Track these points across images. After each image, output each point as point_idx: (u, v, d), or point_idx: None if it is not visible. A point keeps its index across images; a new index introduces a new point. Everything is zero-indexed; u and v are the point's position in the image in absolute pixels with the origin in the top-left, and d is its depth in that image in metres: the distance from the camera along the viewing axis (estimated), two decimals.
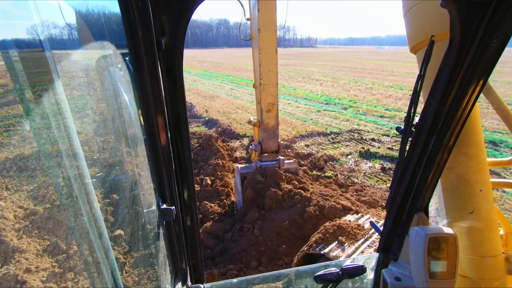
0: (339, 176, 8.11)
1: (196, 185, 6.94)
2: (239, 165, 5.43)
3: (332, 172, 8.37)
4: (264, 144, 4.87)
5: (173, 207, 1.18)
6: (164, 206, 1.17)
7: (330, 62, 46.82)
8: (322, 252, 3.79)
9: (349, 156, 9.71)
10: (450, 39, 1.06)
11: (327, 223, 4.30)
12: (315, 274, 1.44)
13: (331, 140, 11.17)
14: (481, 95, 1.32)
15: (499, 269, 1.46)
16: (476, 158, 1.42)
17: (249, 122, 5.48)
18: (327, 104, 16.87)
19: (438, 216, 1.62)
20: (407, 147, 1.37)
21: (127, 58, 0.94)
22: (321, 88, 21.52)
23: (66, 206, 0.89)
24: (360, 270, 1.42)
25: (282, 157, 5.17)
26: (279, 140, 5.08)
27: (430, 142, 1.28)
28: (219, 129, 12.49)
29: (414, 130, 1.32)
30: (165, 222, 1.21)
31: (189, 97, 18.50)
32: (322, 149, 10.38)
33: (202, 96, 19.33)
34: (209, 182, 6.70)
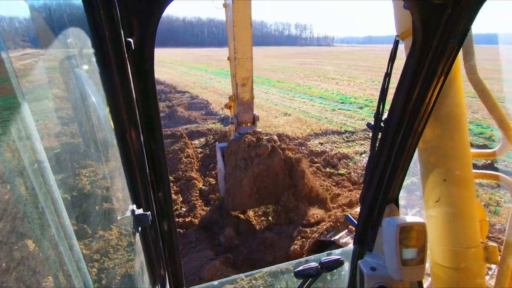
0: (352, 173, 8.18)
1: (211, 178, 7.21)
2: (218, 144, 5.51)
3: (345, 170, 8.44)
4: (240, 117, 4.98)
5: (149, 212, 1.13)
6: (139, 211, 1.10)
7: (347, 61, 46.28)
8: (332, 239, 3.93)
9: (363, 155, 9.73)
10: (413, 38, 1.14)
11: (338, 213, 4.45)
12: (295, 270, 1.46)
13: (346, 139, 11.18)
14: (476, 96, 1.43)
15: (478, 259, 1.51)
16: (459, 150, 1.45)
17: (225, 105, 5.65)
18: (342, 103, 16.77)
19: (407, 206, 1.68)
20: (378, 142, 1.43)
21: (93, 59, 0.90)
22: (336, 87, 21.38)
23: (30, 218, 0.83)
24: (338, 263, 1.48)
25: (260, 129, 5.24)
26: (255, 113, 5.27)
27: (398, 136, 1.34)
28: None
29: (383, 125, 1.38)
30: (141, 228, 1.14)
31: (205, 95, 18.85)
32: (336, 147, 10.42)
33: (218, 94, 19.62)
34: None
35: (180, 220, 5.58)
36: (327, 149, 9.96)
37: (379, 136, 1.42)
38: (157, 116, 1.04)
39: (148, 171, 1.09)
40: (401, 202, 1.56)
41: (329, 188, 6.79)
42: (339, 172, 8.28)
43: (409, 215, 1.41)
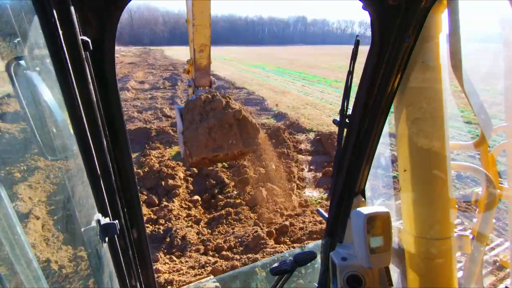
0: None
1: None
2: (176, 106, 5.72)
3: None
4: (197, 81, 5.10)
5: (116, 221, 1.07)
6: (106, 220, 1.05)
7: None
8: None
9: None
10: (372, 38, 1.20)
11: None
12: (270, 268, 1.50)
13: None
14: (461, 91, 1.44)
15: (451, 249, 1.56)
16: (437, 142, 1.47)
17: (184, 70, 5.79)
18: None
19: (373, 197, 1.73)
20: (343, 137, 1.48)
21: (48, 60, 0.83)
22: None
23: None
24: (311, 257, 1.55)
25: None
26: (212, 79, 5.43)
27: (362, 131, 1.40)
28: (287, 122, 13.07)
29: (348, 121, 1.43)
30: (108, 238, 1.08)
31: (261, 92, 19.44)
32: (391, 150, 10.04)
33: (274, 91, 20.09)
34: (274, 167, 7.40)
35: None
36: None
37: (345, 132, 1.48)
38: (121, 118, 1.00)
39: (113, 177, 1.03)
40: (367, 193, 1.62)
41: None
42: None
43: (375, 205, 1.51)
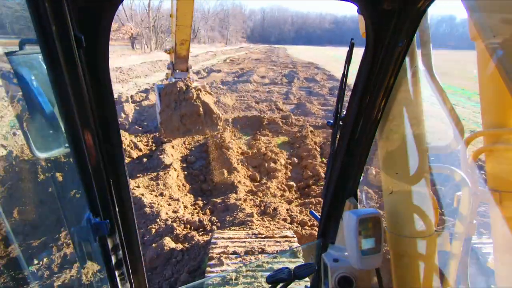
0: None
1: None
2: (156, 85, 6.83)
3: None
4: (176, 66, 6.32)
5: (107, 220, 1.07)
6: (97, 220, 1.04)
7: None
8: None
9: None
10: (366, 42, 1.21)
11: None
12: (268, 275, 1.47)
13: None
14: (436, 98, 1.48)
15: (432, 246, 1.58)
16: (414, 144, 1.50)
17: (165, 51, 6.90)
18: None
19: (365, 199, 1.77)
20: (337, 139, 1.49)
21: (39, 56, 0.83)
22: None
23: None
24: (311, 269, 1.49)
25: (193, 76, 6.48)
26: (189, 64, 6.52)
27: (355, 133, 1.41)
28: None
29: (341, 123, 1.44)
30: (99, 238, 1.07)
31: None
32: None
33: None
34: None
35: None
36: None
37: (338, 134, 1.49)
38: (114, 116, 0.99)
39: (105, 176, 1.03)
40: (360, 195, 1.63)
41: None
42: None
43: (367, 207, 1.51)
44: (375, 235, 1.37)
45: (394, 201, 1.63)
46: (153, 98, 13.92)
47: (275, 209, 5.19)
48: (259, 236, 4.02)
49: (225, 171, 6.63)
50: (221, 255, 3.56)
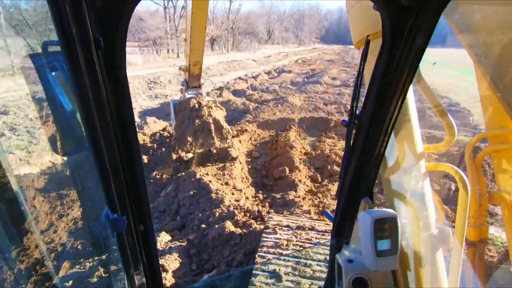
0: None
1: None
2: (171, 100, 7.52)
3: None
4: (190, 83, 7.02)
5: (124, 216, 1.10)
6: (114, 216, 1.08)
7: None
8: None
9: None
10: (382, 38, 1.16)
11: None
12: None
13: None
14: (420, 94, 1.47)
15: (435, 243, 1.63)
16: (411, 145, 1.56)
17: (180, 68, 7.37)
18: None
19: (387, 199, 1.70)
20: (352, 138, 1.43)
21: (60, 57, 0.85)
22: None
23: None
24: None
25: (204, 92, 7.20)
26: (201, 81, 7.24)
27: (370, 132, 1.37)
28: None
29: (357, 122, 1.39)
30: (117, 233, 1.11)
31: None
32: None
33: None
34: None
35: None
36: None
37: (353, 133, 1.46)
38: (131, 116, 1.00)
39: (122, 174, 1.06)
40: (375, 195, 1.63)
41: None
42: None
43: (383, 208, 1.46)
44: (391, 237, 1.36)
45: (395, 200, 1.65)
46: (226, 95, 14.91)
47: (333, 211, 5.15)
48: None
49: (287, 169, 6.78)
50: (276, 226, 4.19)
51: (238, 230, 4.40)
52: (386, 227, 1.35)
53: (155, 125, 10.59)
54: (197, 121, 6.52)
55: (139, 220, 1.19)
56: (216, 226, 4.42)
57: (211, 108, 6.74)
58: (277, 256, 3.57)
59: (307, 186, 6.31)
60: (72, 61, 0.81)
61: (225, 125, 6.84)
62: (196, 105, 6.64)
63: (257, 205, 5.50)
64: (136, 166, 1.08)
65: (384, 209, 1.46)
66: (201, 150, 6.85)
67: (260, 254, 3.61)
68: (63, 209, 4.76)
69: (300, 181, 6.33)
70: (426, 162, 1.73)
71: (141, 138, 8.54)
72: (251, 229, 4.40)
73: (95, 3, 0.78)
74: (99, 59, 0.84)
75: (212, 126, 6.64)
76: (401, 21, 1.11)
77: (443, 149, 1.83)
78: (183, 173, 6.70)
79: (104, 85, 0.89)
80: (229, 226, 4.39)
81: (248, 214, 4.86)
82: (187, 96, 6.94)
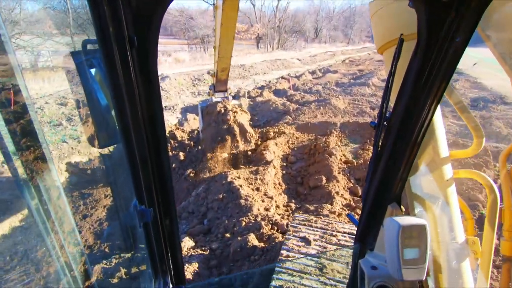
0: None
1: None
2: (199, 102, 7.93)
3: None
4: (217, 87, 7.27)
5: (151, 208, 1.14)
6: (142, 207, 1.12)
7: None
8: None
9: None
10: (417, 37, 1.11)
11: None
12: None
13: None
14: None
15: (463, 252, 1.63)
16: (438, 150, 1.57)
17: (208, 72, 7.80)
18: None
19: (409, 206, 1.61)
20: (380, 141, 1.41)
21: (97, 55, 0.90)
22: None
23: (37, 211, 0.87)
24: None
25: (230, 96, 7.44)
26: (228, 86, 7.48)
27: (401, 135, 1.33)
28: None
29: (386, 124, 1.36)
30: (143, 224, 1.16)
31: None
32: None
33: None
34: None
35: None
36: None
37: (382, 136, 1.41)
38: (160, 113, 1.04)
39: (150, 167, 1.10)
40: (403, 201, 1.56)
41: None
42: None
43: (412, 216, 1.43)
44: (419, 246, 1.31)
45: (422, 208, 1.59)
46: (266, 94, 14.64)
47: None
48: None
49: (324, 178, 6.29)
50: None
51: (261, 245, 4.11)
52: (414, 235, 1.30)
53: (194, 122, 10.73)
54: (222, 125, 6.85)
55: (165, 213, 1.23)
56: (239, 238, 4.17)
57: (236, 113, 7.08)
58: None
59: (345, 199, 5.76)
60: (108, 59, 0.84)
61: (249, 129, 7.17)
62: (222, 110, 6.98)
63: (288, 216, 5.13)
64: (163, 160, 1.11)
65: (413, 217, 1.41)
66: (227, 152, 7.06)
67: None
68: (100, 197, 5.02)
69: (337, 193, 5.81)
70: (452, 168, 1.66)
71: (179, 134, 8.67)
72: (274, 243, 4.06)
73: (131, 3, 0.81)
74: (133, 58, 0.87)
75: (237, 130, 6.95)
76: (439, 18, 1.07)
77: (470, 155, 1.73)
78: (216, 174, 6.59)
79: (137, 83, 0.92)
80: (253, 239, 4.10)
81: (275, 228, 4.51)
82: (214, 99, 7.27)
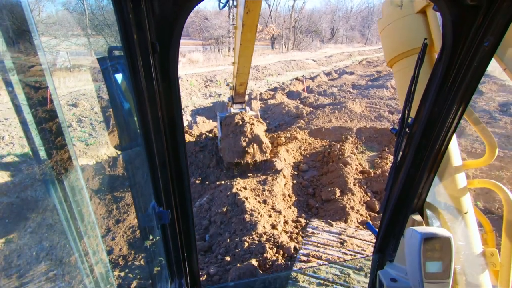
0: None
1: None
2: (218, 113, 8.11)
3: None
4: (235, 100, 7.87)
5: (169, 210, 1.17)
6: (160, 209, 1.15)
7: None
8: None
9: None
10: (442, 42, 1.10)
11: None
12: None
13: None
14: None
15: (481, 263, 1.58)
16: (451, 160, 1.54)
17: (227, 85, 8.16)
18: None
19: (433, 217, 1.51)
20: (402, 148, 1.38)
21: (122, 61, 0.94)
22: None
23: (58, 211, 0.89)
24: None
25: (248, 108, 8.06)
26: (246, 97, 8.09)
27: (424, 143, 1.30)
28: None
29: (408, 131, 1.34)
30: (161, 225, 1.18)
31: None
32: None
33: None
34: None
35: None
36: None
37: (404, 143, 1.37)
38: (180, 118, 1.06)
39: (169, 171, 1.13)
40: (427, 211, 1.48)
41: None
42: None
43: (435, 226, 1.38)
44: (443, 258, 1.23)
45: (438, 219, 1.51)
46: (279, 96, 14.17)
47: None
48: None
49: (338, 190, 5.79)
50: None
51: (263, 272, 3.64)
52: (437, 248, 1.24)
53: (203, 125, 10.42)
54: (239, 136, 7.16)
55: (182, 215, 1.25)
56: (238, 265, 3.73)
57: (253, 125, 7.37)
58: None
59: (361, 215, 5.24)
60: (132, 65, 0.89)
61: (264, 140, 7.40)
62: (240, 122, 7.29)
63: (297, 234, 4.66)
64: (182, 164, 1.15)
65: (437, 227, 1.34)
66: (242, 162, 7.15)
67: None
68: (117, 199, 4.90)
69: (352, 208, 5.30)
70: (466, 178, 1.64)
71: (187, 138, 8.36)
72: (277, 271, 3.60)
73: (154, 11, 0.86)
74: (155, 63, 0.93)
75: (254, 142, 7.23)
76: (465, 22, 1.03)
77: (483, 165, 1.72)
78: (222, 182, 6.21)
79: (158, 88, 0.97)
80: (253, 268, 3.64)
81: (281, 252, 4.04)
82: (232, 111, 7.76)
